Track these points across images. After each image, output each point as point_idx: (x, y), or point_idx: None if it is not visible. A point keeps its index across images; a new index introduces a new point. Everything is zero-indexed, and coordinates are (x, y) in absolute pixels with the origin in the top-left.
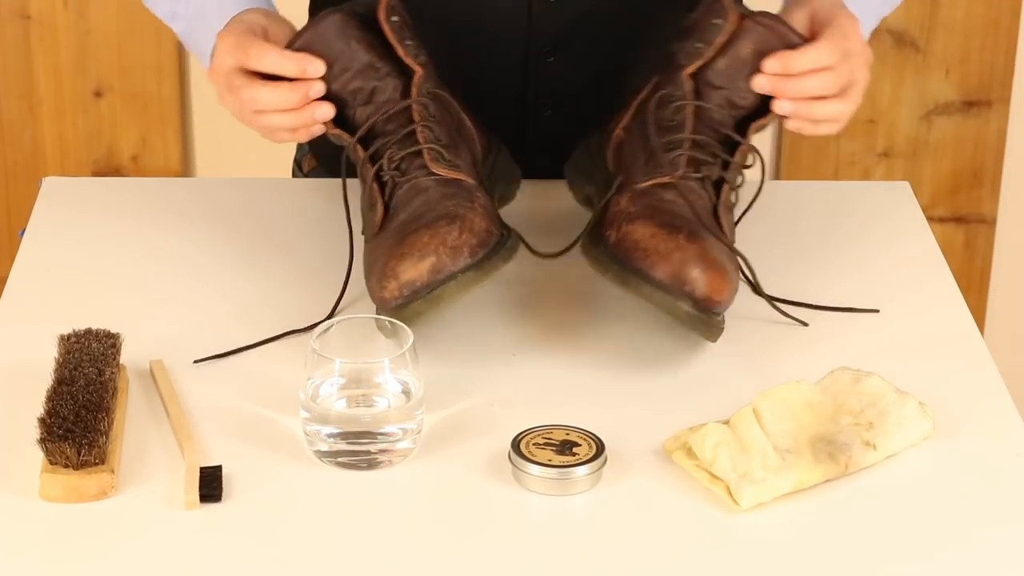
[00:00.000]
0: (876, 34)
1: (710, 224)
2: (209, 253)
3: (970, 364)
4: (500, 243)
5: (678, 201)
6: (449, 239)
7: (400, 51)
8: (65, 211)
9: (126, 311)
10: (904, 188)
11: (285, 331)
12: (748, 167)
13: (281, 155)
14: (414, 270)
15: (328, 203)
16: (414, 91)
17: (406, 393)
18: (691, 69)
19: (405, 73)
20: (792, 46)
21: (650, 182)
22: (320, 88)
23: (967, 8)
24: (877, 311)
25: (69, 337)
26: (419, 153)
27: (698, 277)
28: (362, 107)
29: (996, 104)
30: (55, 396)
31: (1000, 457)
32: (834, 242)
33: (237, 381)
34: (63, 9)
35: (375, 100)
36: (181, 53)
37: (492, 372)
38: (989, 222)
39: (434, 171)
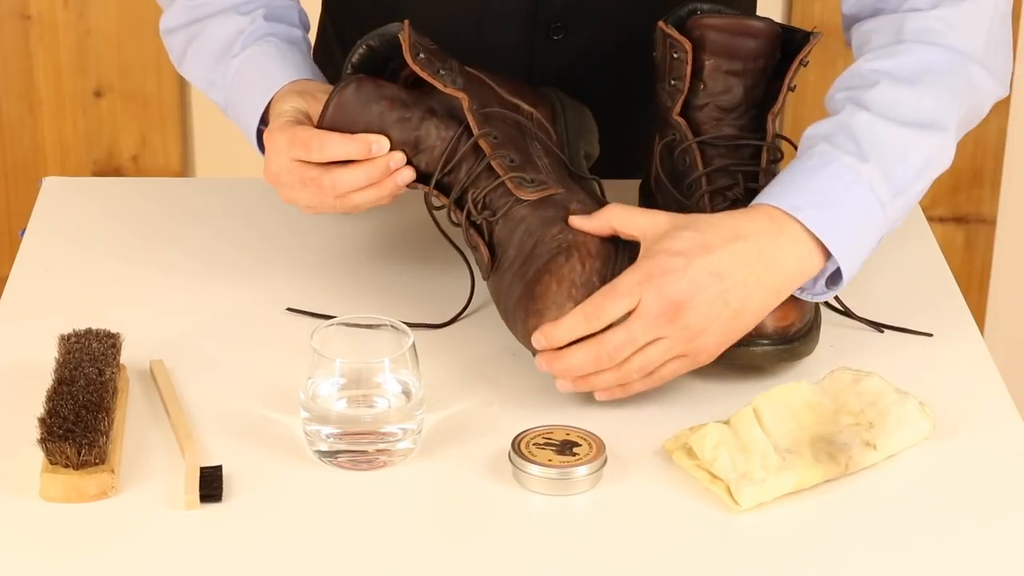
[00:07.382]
0: None
1: None
2: (209, 253)
3: (970, 364)
4: (617, 244)
5: None
6: (575, 276)
7: (439, 85)
8: (65, 211)
9: (126, 311)
10: None
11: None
12: (776, 161)
13: None
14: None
15: None
16: (470, 119)
17: (406, 393)
18: (677, 109)
19: (434, 111)
20: (748, 29)
21: None
22: (400, 157)
23: None
24: (931, 335)
25: (69, 337)
26: (502, 184)
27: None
28: (415, 158)
29: (996, 104)
30: (55, 396)
31: (1000, 457)
32: None
33: (237, 381)
34: (63, 9)
35: (424, 147)
36: None
37: (492, 372)
38: (989, 222)
39: (522, 198)
